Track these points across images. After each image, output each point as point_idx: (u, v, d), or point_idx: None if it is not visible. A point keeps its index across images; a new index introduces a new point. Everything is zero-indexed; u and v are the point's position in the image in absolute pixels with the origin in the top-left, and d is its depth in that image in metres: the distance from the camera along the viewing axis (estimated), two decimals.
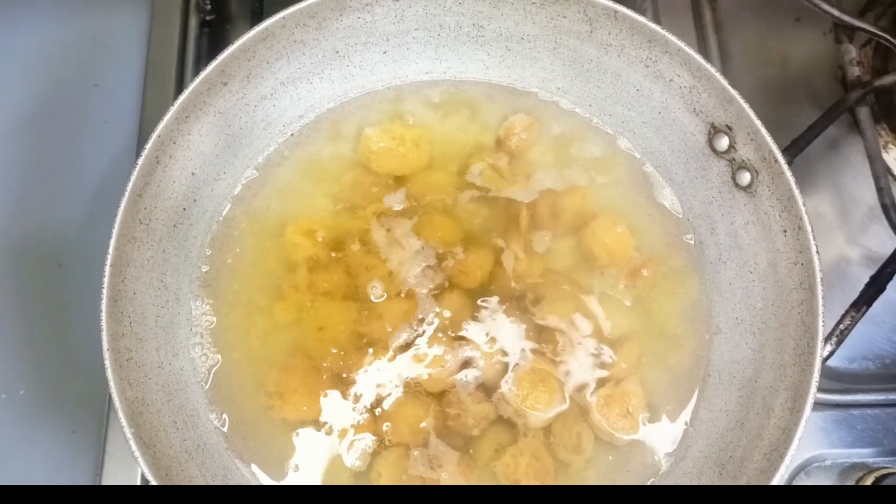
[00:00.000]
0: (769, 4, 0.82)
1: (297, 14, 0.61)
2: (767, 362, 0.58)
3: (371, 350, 0.62)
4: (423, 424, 0.60)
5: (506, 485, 0.59)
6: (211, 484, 0.57)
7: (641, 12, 0.61)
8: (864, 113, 0.70)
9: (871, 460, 0.66)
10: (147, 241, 0.59)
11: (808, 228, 0.55)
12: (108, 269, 0.54)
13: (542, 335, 0.62)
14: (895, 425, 0.68)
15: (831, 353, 0.60)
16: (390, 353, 0.62)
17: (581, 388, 0.61)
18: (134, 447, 0.51)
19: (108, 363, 0.52)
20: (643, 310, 0.64)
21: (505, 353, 0.62)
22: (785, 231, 0.58)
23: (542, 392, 0.60)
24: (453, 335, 0.62)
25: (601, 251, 0.64)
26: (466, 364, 0.61)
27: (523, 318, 0.63)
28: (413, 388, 0.61)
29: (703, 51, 0.79)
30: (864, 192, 0.74)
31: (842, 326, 0.60)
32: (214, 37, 0.79)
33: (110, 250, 0.55)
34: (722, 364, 0.62)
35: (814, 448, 0.67)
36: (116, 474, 0.64)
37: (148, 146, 0.57)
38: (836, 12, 0.70)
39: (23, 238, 0.72)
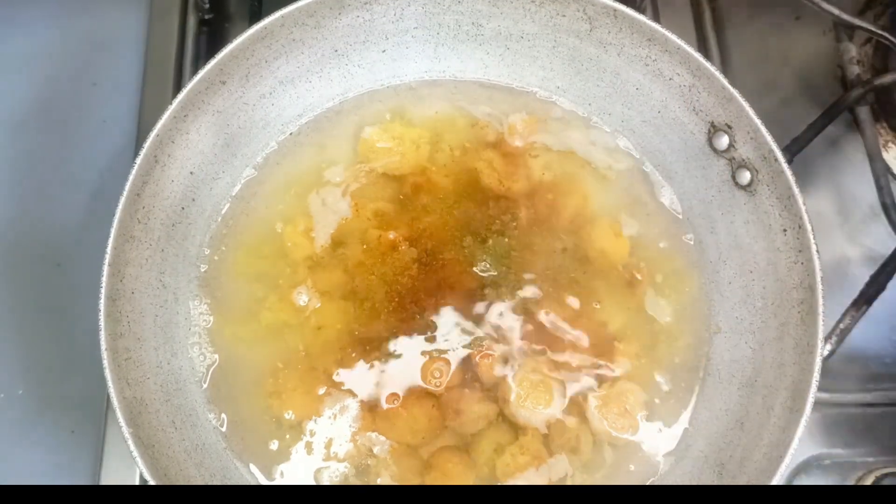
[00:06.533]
0: (769, 3, 0.81)
1: (296, 13, 0.61)
2: (767, 361, 0.58)
3: (370, 349, 0.61)
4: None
5: (505, 485, 0.58)
6: (210, 484, 0.57)
7: (641, 11, 0.61)
8: (863, 112, 0.70)
9: (871, 459, 0.66)
10: (145, 241, 0.59)
11: (808, 227, 0.55)
12: (106, 268, 0.54)
13: (541, 335, 0.62)
14: (895, 425, 0.67)
15: (831, 353, 0.60)
16: (389, 352, 0.61)
17: (580, 388, 0.61)
18: (132, 447, 0.51)
19: (106, 363, 0.52)
20: (643, 309, 0.64)
21: (505, 353, 0.62)
22: (785, 230, 0.58)
23: (542, 392, 0.60)
24: (453, 334, 0.62)
25: (600, 250, 0.64)
26: (466, 363, 0.61)
27: (523, 318, 0.62)
28: (412, 388, 0.61)
29: (703, 49, 0.79)
30: (864, 190, 0.74)
31: (842, 326, 0.60)
32: (213, 36, 0.79)
33: (108, 249, 0.54)
34: (722, 363, 0.62)
35: (814, 448, 0.66)
36: (115, 474, 0.64)
37: (146, 145, 0.57)
38: (835, 11, 0.69)
39: (21, 237, 0.72)
